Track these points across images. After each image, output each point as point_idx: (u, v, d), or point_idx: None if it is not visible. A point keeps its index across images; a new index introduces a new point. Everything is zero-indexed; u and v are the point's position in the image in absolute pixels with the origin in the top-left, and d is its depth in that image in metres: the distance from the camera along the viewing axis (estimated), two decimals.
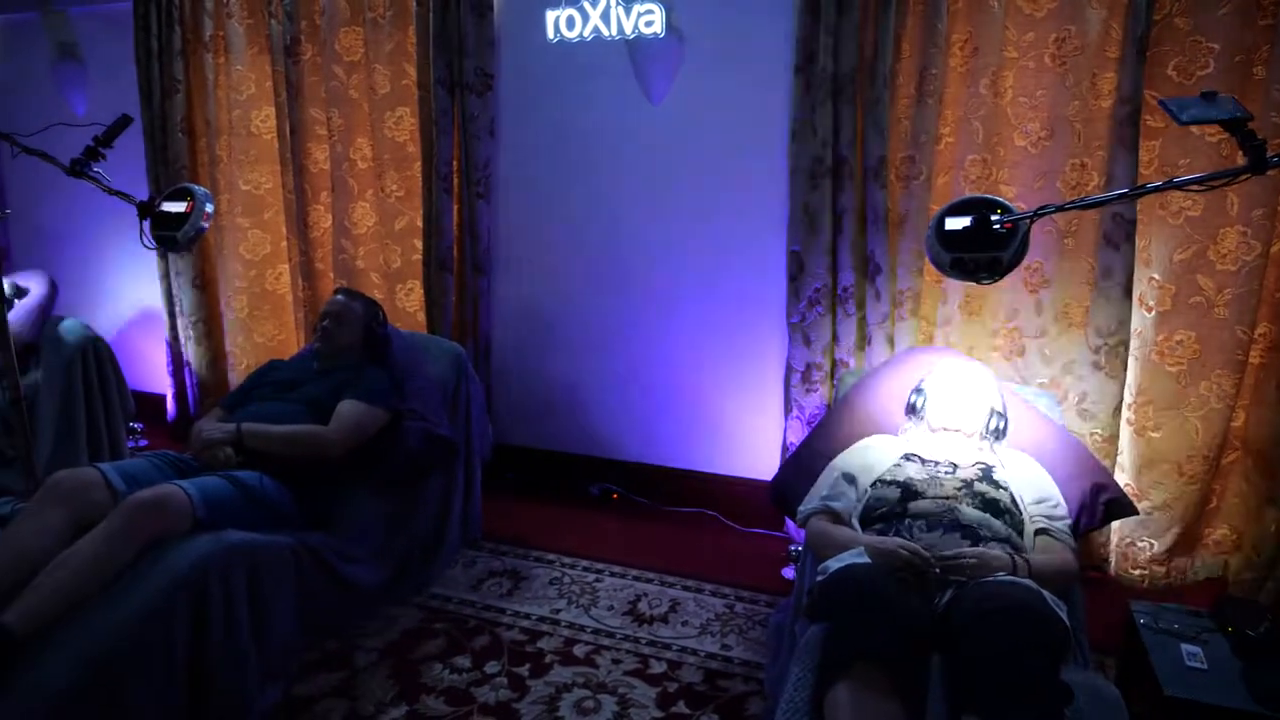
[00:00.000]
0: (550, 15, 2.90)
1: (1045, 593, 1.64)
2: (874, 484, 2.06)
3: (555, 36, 2.92)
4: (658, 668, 2.32)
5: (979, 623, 1.52)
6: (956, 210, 1.69)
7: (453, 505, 2.78)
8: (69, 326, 3.34)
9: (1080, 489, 2.13)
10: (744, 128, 2.89)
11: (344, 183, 3.33)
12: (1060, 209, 1.63)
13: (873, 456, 2.14)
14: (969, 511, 1.90)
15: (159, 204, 2.12)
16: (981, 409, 2.14)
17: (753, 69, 2.84)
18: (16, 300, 3.19)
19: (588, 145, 3.09)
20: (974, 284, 2.58)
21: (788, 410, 2.95)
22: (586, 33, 2.86)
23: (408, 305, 3.39)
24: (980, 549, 1.78)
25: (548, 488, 3.39)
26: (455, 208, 3.19)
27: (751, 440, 3.15)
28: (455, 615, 2.54)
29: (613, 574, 2.78)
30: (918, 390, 2.23)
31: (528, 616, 2.54)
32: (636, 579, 2.75)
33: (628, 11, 2.77)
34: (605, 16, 2.81)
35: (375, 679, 2.24)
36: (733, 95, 2.88)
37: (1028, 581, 1.68)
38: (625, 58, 2.93)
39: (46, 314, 3.30)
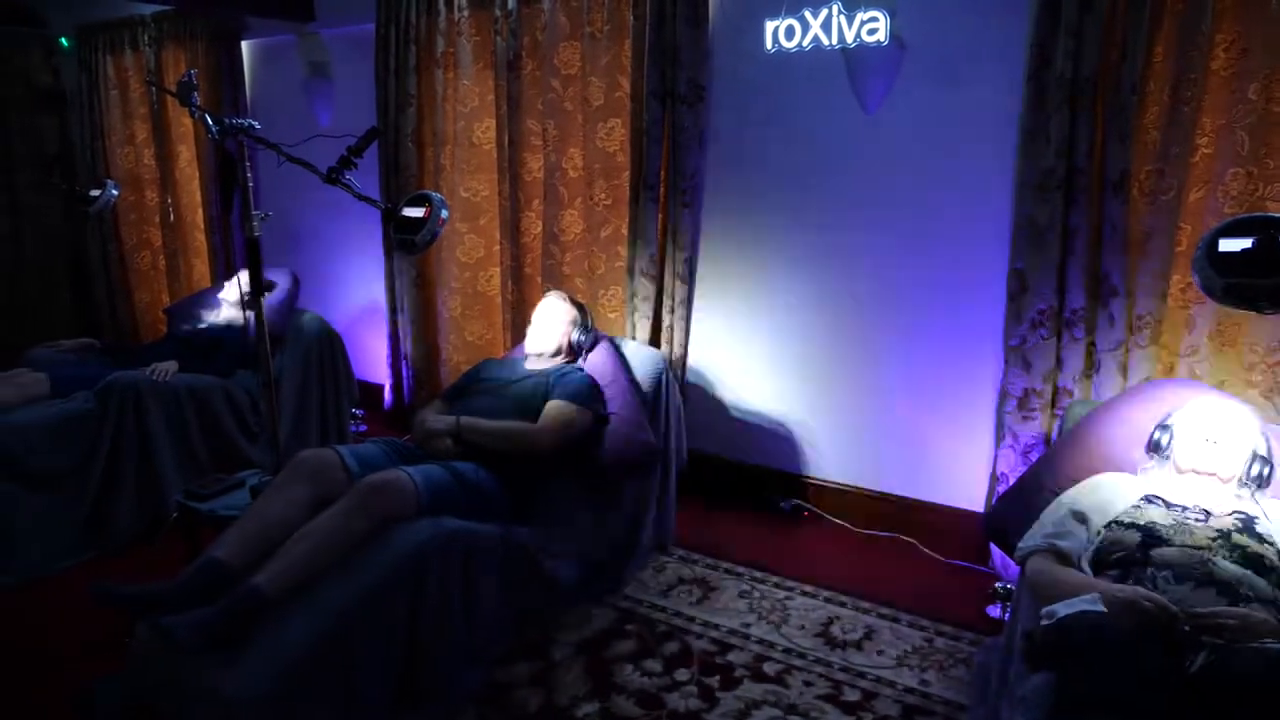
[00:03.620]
0: (770, 25, 2.88)
1: None
2: (1109, 525, 1.88)
3: (773, 47, 2.90)
4: (851, 695, 2.23)
5: (1254, 699, 1.35)
6: (1234, 230, 1.52)
7: (648, 509, 2.81)
8: (308, 319, 3.68)
9: None
10: (965, 137, 2.75)
11: (555, 191, 3.47)
12: None
13: (1107, 495, 1.97)
14: (1227, 566, 1.70)
15: (401, 209, 2.28)
16: (1241, 452, 1.91)
17: (978, 76, 2.70)
18: (267, 294, 3.55)
19: (798, 155, 3.04)
20: (1235, 312, 2.33)
21: (999, 438, 2.77)
22: (806, 42, 2.81)
23: (610, 311, 3.48)
24: (1242, 610, 1.58)
25: (736, 499, 3.37)
26: (660, 217, 3.24)
27: (956, 467, 2.98)
28: (646, 619, 2.57)
29: (804, 593, 2.72)
30: (1164, 426, 2.02)
31: (717, 627, 2.53)
32: (828, 601, 2.67)
33: (850, 20, 2.70)
34: (826, 26, 2.76)
35: (570, 673, 2.31)
36: (954, 103, 2.75)
37: None
38: (840, 66, 2.87)
39: (291, 307, 3.65)
